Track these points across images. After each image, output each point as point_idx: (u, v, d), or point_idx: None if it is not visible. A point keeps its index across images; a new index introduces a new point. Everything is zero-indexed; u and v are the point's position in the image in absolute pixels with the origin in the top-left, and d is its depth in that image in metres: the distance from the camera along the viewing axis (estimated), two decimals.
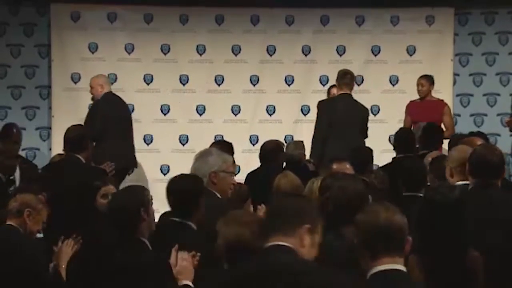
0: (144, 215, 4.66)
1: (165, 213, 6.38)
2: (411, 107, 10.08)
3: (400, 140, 8.50)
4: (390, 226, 3.43)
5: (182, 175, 5.33)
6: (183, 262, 4.59)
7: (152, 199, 4.90)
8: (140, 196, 4.77)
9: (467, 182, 5.45)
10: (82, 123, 8.75)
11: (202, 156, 5.72)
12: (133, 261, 4.55)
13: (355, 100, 9.29)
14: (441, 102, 10.11)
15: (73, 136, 7.08)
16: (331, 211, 4.35)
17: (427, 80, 10.06)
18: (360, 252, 3.45)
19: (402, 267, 3.42)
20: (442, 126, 9.75)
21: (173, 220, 5.08)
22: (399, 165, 6.83)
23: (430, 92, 10.07)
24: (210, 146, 7.72)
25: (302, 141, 8.94)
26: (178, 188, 5.11)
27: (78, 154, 6.96)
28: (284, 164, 8.39)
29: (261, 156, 8.51)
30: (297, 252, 3.39)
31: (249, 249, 3.83)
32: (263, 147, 8.60)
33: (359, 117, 9.28)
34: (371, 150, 8.19)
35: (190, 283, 4.58)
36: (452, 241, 4.13)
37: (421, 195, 6.10)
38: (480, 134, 8.36)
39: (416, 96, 10.12)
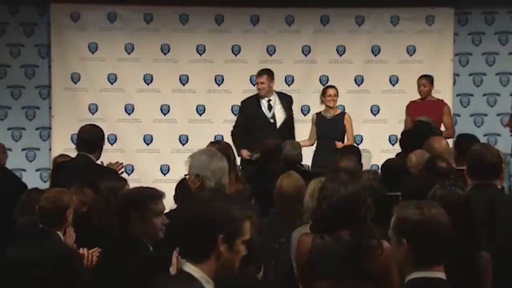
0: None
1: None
2: (411, 107, 10.07)
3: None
4: None
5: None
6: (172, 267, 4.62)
7: None
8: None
9: None
10: (83, 123, 8.67)
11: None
12: (138, 258, 4.58)
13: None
14: (441, 102, 10.09)
15: (90, 137, 7.02)
16: (326, 212, 4.31)
17: (428, 80, 10.05)
18: None
19: None
20: (442, 126, 9.76)
21: None
22: (382, 165, 6.83)
23: (430, 92, 10.07)
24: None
25: (298, 142, 8.92)
26: None
27: (90, 154, 6.93)
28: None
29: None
30: None
31: None
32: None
33: None
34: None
35: None
36: (462, 241, 3.98)
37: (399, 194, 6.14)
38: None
39: (416, 96, 10.11)
